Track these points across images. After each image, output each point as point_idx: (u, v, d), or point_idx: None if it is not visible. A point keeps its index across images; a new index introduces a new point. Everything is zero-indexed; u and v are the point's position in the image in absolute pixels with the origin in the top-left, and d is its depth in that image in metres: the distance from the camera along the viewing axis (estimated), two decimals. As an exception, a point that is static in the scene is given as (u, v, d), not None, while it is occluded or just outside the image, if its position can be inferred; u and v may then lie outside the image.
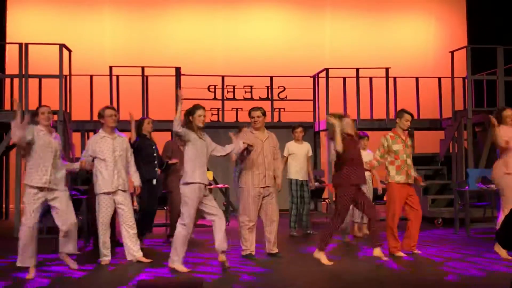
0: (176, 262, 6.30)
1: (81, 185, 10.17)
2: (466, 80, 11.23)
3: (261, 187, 7.01)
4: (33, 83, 10.27)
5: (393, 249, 7.16)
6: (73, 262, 6.47)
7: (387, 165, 7.25)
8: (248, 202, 7.00)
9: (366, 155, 8.69)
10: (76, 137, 11.26)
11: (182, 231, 6.29)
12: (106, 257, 6.80)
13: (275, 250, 7.18)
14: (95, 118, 11.55)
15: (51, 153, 6.31)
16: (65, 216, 6.34)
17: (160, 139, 8.69)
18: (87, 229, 8.13)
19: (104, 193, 6.76)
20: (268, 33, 15.72)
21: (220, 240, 6.35)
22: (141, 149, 7.87)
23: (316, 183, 10.34)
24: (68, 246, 6.42)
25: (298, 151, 9.07)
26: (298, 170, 9.05)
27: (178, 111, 6.28)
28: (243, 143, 6.84)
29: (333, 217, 6.76)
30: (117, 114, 7.10)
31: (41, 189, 6.21)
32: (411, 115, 7.35)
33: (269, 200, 7.08)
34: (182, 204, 6.35)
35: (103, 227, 6.82)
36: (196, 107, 6.47)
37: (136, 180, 7.05)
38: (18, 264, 6.20)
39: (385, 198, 7.52)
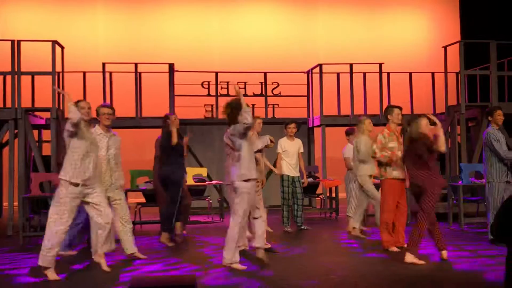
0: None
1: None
2: (459, 75, 11.26)
3: None
4: (25, 80, 10.24)
5: (386, 243, 7.18)
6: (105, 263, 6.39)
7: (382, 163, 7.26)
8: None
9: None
10: (69, 134, 11.21)
11: (235, 228, 6.23)
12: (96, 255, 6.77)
13: (268, 245, 7.19)
14: (89, 115, 11.64)
15: (96, 149, 6.28)
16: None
17: (154, 136, 8.63)
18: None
19: None
20: (262, 29, 15.72)
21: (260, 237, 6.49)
22: (181, 147, 7.94)
23: (310, 179, 10.36)
24: (107, 245, 6.32)
25: (291, 147, 9.06)
26: (290, 166, 9.04)
27: (244, 103, 6.09)
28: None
29: (421, 218, 6.49)
30: (113, 113, 7.04)
31: (83, 184, 6.04)
32: (400, 108, 7.40)
33: (257, 196, 7.07)
34: (239, 201, 6.23)
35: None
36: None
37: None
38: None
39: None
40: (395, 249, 7.14)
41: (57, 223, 5.91)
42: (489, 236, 7.53)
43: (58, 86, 10.47)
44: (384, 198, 7.28)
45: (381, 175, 7.28)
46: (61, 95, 10.68)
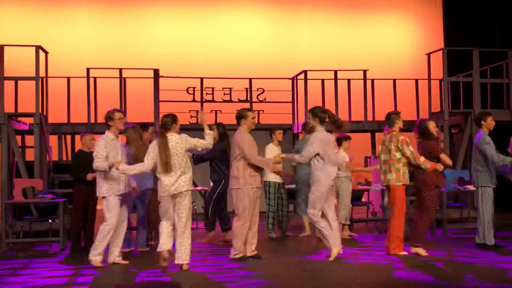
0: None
1: (58, 188, 10.07)
2: (442, 82, 11.36)
3: (257, 187, 7.01)
4: (9, 85, 10.14)
5: (397, 249, 7.17)
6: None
7: (400, 167, 7.17)
8: (249, 204, 6.91)
9: (344, 156, 8.80)
10: (52, 139, 11.14)
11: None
12: (99, 256, 6.79)
13: (255, 252, 7.17)
14: (72, 120, 11.57)
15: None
16: None
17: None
18: (63, 233, 8.06)
19: (115, 195, 6.74)
20: (247, 35, 15.73)
21: None
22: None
23: (294, 185, 10.34)
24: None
25: (277, 154, 9.02)
26: (276, 172, 9.01)
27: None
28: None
29: (421, 215, 7.14)
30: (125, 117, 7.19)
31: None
32: None
33: (256, 201, 7.06)
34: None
35: (111, 228, 6.73)
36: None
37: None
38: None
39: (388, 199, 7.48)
40: (405, 253, 7.15)
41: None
42: (476, 240, 7.62)
43: (42, 92, 10.39)
44: (400, 204, 7.17)
45: (398, 180, 7.15)
46: (44, 102, 10.62)
